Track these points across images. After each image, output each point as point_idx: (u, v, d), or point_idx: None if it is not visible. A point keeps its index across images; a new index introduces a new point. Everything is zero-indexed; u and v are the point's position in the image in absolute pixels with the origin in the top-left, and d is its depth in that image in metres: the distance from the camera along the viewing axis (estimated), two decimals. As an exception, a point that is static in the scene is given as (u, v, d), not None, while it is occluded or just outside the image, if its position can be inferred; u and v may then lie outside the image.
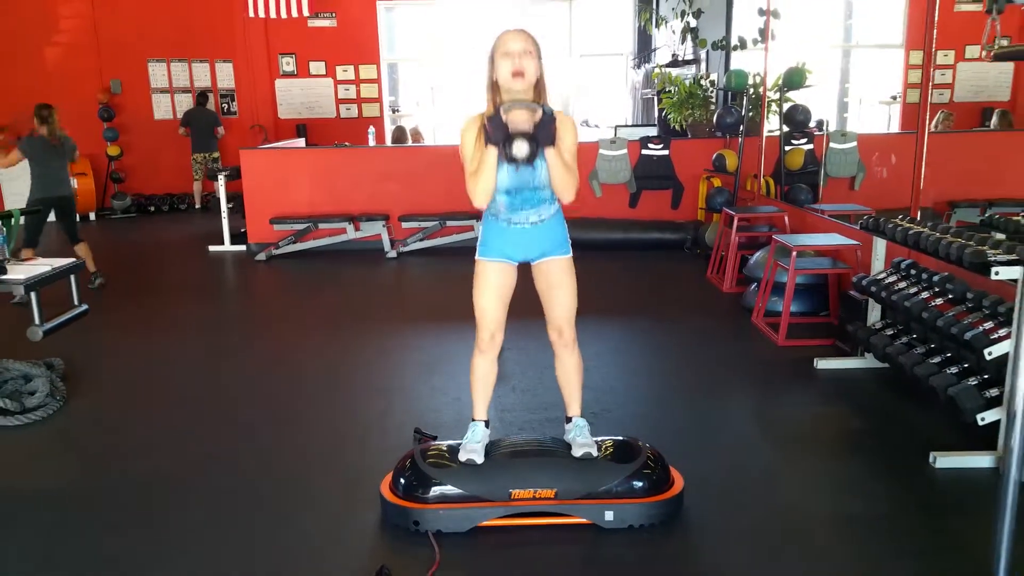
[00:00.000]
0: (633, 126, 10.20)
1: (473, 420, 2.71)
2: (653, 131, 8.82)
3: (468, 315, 2.65)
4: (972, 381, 3.04)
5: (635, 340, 4.85)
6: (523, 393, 3.79)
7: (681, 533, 2.58)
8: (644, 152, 7.57)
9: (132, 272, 7.20)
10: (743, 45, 7.40)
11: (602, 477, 2.59)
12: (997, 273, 2.79)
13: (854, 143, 6.44)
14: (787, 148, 6.38)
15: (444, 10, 11.44)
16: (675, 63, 9.19)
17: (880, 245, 4.00)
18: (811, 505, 2.77)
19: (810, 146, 6.43)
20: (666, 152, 7.58)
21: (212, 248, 7.93)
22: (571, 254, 2.63)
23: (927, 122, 4.08)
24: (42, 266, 3.56)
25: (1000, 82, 7.88)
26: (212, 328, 5.28)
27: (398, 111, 11.96)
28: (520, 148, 2.35)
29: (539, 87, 2.46)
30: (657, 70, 9.23)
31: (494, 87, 2.46)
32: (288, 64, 11.27)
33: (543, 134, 2.35)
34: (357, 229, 7.55)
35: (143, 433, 3.50)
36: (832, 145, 6.39)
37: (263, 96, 11.17)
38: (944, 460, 2.94)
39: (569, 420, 2.75)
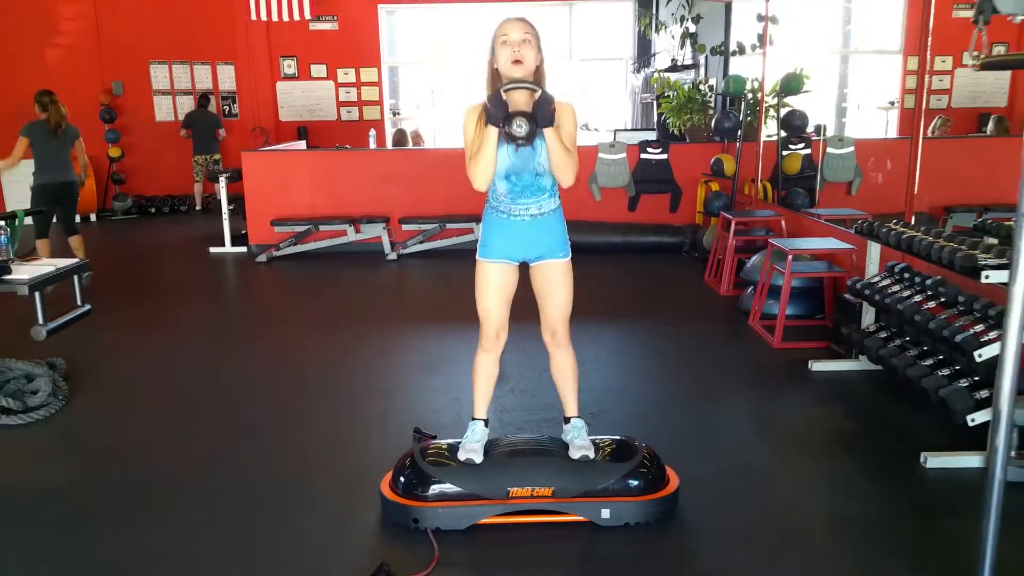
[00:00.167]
0: (632, 130, 10.25)
1: (473, 419, 2.74)
2: (652, 135, 8.89)
3: (468, 316, 2.69)
4: (963, 383, 3.08)
5: (633, 342, 4.89)
6: (522, 394, 3.83)
7: (676, 531, 2.62)
8: (643, 156, 7.62)
9: (133, 273, 7.24)
10: (742, 50, 7.45)
11: (599, 476, 2.63)
12: (987, 277, 2.84)
13: (851, 148, 6.47)
14: (785, 153, 6.42)
15: (445, 14, 11.50)
16: (674, 68, 9.24)
17: (874, 249, 4.04)
18: (805, 505, 2.81)
19: (807, 151, 6.48)
20: (665, 156, 7.63)
21: (213, 249, 7.97)
22: (570, 256, 2.66)
23: (921, 127, 4.13)
24: (46, 266, 3.60)
25: (997, 88, 7.92)
26: (213, 329, 5.32)
27: (399, 114, 12.01)
28: (520, 127, 2.39)
29: (538, 74, 2.52)
30: (656, 75, 9.29)
31: (495, 74, 2.52)
32: (289, 67, 11.31)
33: (542, 114, 2.39)
34: (357, 231, 7.59)
35: (144, 433, 3.54)
36: (829, 150, 6.43)
37: (264, 98, 11.22)
38: (935, 460, 2.99)
39: (567, 421, 2.78)
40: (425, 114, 12.23)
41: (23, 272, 3.45)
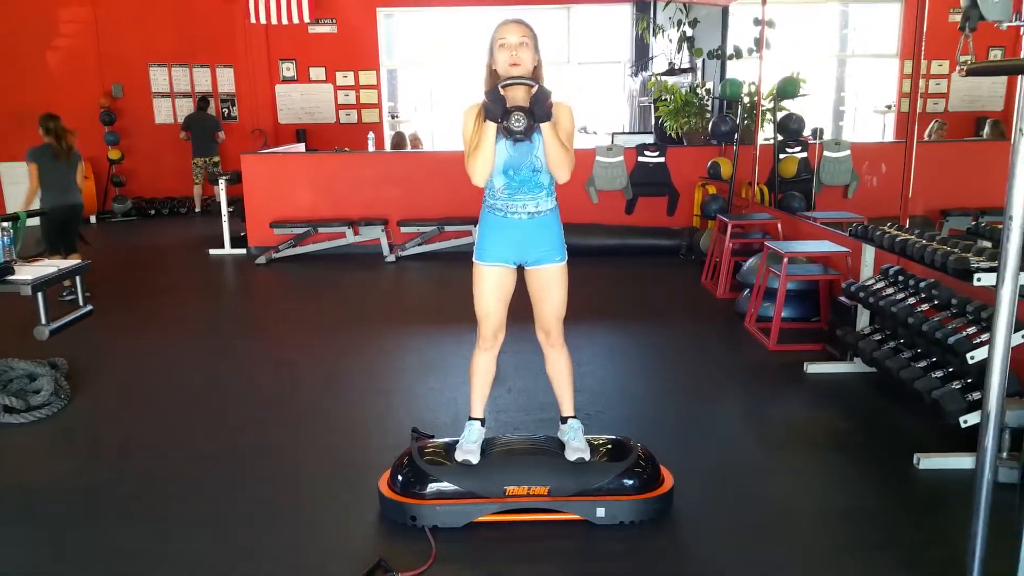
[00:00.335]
0: (630, 133, 10.30)
1: (470, 419, 2.76)
2: (649, 138, 8.92)
3: (465, 318, 2.72)
4: (955, 385, 3.12)
5: (630, 344, 4.93)
6: (519, 394, 3.86)
7: (671, 530, 2.65)
8: (640, 159, 7.65)
9: (133, 275, 7.27)
10: (738, 54, 7.50)
11: (594, 475, 2.66)
12: (979, 279, 2.87)
13: (848, 152, 6.51)
14: (781, 156, 6.46)
15: (443, 17, 11.54)
16: (671, 71, 9.29)
17: (869, 252, 4.08)
18: (799, 504, 2.85)
19: (804, 154, 6.52)
20: (662, 159, 7.66)
21: (212, 251, 7.99)
22: (566, 260, 2.68)
23: (916, 131, 4.17)
24: (48, 267, 3.63)
25: (994, 92, 7.97)
26: (213, 329, 5.35)
27: (397, 117, 12.04)
28: (518, 121, 2.43)
29: (536, 75, 2.56)
30: (654, 78, 9.33)
31: (493, 75, 2.56)
32: (288, 70, 11.35)
33: (540, 108, 2.43)
34: (356, 233, 7.63)
35: (144, 432, 3.57)
36: (826, 154, 6.47)
37: (263, 101, 11.25)
38: (928, 461, 3.02)
39: (564, 421, 2.80)
40: (423, 117, 12.27)
41: (26, 273, 3.47)
